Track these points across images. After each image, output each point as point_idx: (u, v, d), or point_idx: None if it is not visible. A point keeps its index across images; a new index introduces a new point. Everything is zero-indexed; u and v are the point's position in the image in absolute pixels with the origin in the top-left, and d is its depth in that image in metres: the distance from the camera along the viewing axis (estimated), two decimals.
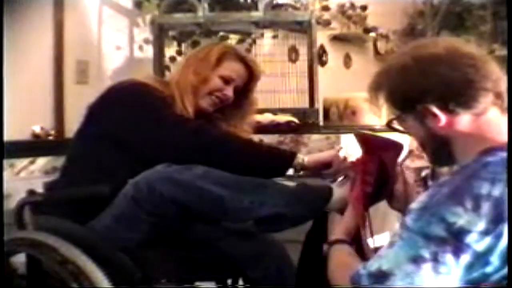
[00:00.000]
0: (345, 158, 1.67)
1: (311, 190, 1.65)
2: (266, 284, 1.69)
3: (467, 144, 1.22)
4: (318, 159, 1.69)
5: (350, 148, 2.72)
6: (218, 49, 1.90)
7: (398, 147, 1.56)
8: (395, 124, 1.33)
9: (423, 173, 3.16)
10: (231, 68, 1.87)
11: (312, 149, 2.73)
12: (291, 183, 1.68)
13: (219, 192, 1.59)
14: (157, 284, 1.68)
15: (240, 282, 1.89)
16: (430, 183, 3.22)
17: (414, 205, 1.16)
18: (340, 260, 1.41)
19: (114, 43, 3.41)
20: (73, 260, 1.53)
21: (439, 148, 1.27)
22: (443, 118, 1.21)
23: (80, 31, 3.20)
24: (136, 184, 1.61)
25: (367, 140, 1.56)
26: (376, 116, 2.96)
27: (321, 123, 3.10)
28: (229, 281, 1.95)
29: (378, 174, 1.58)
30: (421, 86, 1.22)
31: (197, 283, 1.78)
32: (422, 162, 3.14)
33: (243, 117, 1.96)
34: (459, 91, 1.20)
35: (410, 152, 1.63)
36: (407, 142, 3.07)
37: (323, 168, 1.67)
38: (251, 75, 1.92)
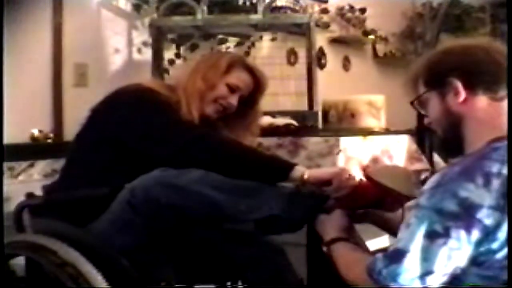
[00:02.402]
0: (347, 178, 1.65)
1: (307, 193, 1.64)
2: (265, 286, 1.69)
3: (478, 129, 1.28)
4: (318, 175, 1.67)
5: (349, 151, 2.73)
6: (228, 58, 1.93)
7: (402, 197, 1.57)
8: (416, 105, 1.42)
9: (422, 176, 3.16)
10: (238, 77, 1.89)
11: (311, 152, 2.72)
12: (288, 186, 1.67)
13: (216, 197, 1.59)
14: (156, 287, 1.67)
15: (239, 283, 1.88)
16: None
17: (427, 185, 1.22)
18: (351, 257, 1.43)
19: (113, 46, 3.41)
20: (72, 263, 1.53)
21: (451, 130, 1.33)
22: (463, 94, 1.29)
23: (79, 34, 3.20)
24: (132, 189, 1.61)
25: (380, 187, 1.56)
26: (375, 118, 2.96)
27: (320, 125, 3.10)
28: (228, 283, 1.94)
29: (370, 205, 1.63)
30: (454, 61, 1.32)
31: (195, 285, 1.77)
32: (421, 165, 3.15)
33: (246, 127, 1.97)
34: (484, 68, 1.29)
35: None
36: (406, 145, 3.08)
37: (323, 185, 1.66)
38: (258, 85, 1.94)
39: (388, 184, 1.54)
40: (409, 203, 1.60)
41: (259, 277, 1.70)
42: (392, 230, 1.72)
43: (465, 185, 1.14)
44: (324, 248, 1.51)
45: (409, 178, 1.64)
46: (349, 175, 1.66)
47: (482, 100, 1.28)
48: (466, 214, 1.13)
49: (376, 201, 1.61)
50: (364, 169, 1.61)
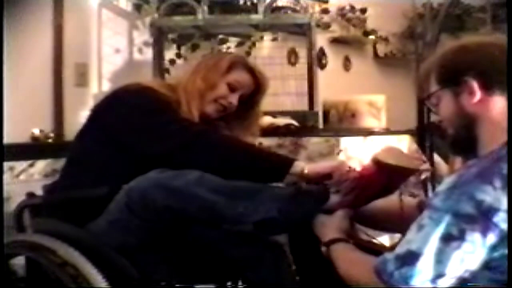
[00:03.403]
0: (348, 170, 1.64)
1: (305, 194, 1.63)
2: (265, 286, 1.69)
3: (493, 130, 1.24)
4: (318, 169, 1.65)
5: (350, 151, 2.73)
6: (229, 58, 1.94)
7: (412, 172, 1.56)
8: (429, 102, 1.38)
9: (423, 176, 3.16)
10: (239, 76, 1.90)
11: (311, 152, 2.72)
12: (286, 187, 1.67)
13: (213, 199, 1.57)
14: (156, 287, 1.67)
15: (240, 283, 1.88)
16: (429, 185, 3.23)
17: (442, 186, 1.18)
18: (351, 257, 1.41)
19: (114, 45, 3.41)
20: (72, 263, 1.53)
21: (464, 130, 1.29)
22: (478, 94, 1.25)
23: (80, 34, 3.20)
24: (129, 191, 1.60)
25: (389, 168, 1.52)
26: (375, 118, 2.97)
27: (321, 125, 3.10)
28: (229, 283, 1.94)
29: (378, 193, 1.59)
30: (469, 59, 1.27)
31: (195, 285, 1.77)
32: (422, 165, 3.15)
33: (247, 128, 1.97)
34: (501, 67, 1.24)
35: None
36: (406, 145, 3.08)
37: (324, 179, 1.65)
38: (258, 86, 1.94)
39: (398, 163, 1.50)
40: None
41: (259, 277, 1.70)
42: (376, 225, 1.71)
43: (482, 187, 1.11)
44: (323, 249, 1.49)
45: (407, 153, 1.60)
46: (349, 167, 1.65)
47: (498, 101, 1.24)
48: (482, 217, 1.10)
49: (383, 187, 1.58)
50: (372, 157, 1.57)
